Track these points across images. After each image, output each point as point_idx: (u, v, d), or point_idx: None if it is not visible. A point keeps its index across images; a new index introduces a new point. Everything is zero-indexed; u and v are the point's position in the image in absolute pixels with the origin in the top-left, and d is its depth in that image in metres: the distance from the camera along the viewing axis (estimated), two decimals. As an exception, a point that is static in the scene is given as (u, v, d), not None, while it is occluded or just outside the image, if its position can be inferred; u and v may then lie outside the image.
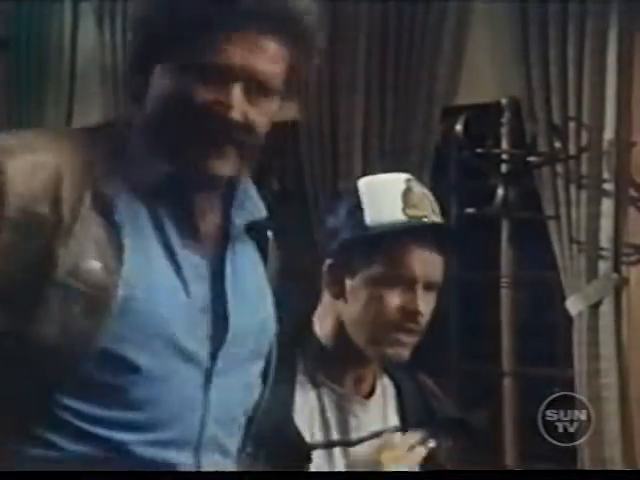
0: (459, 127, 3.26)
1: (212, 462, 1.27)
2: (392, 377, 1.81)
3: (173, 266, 1.25)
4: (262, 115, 1.28)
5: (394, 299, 1.68)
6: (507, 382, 3.26)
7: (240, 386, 1.32)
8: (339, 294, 1.72)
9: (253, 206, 1.36)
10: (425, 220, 1.71)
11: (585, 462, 3.16)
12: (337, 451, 1.69)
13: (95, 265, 1.18)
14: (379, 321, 1.68)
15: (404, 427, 1.76)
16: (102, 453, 1.20)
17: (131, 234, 1.22)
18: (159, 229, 1.25)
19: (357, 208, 1.72)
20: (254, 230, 1.36)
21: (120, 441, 1.21)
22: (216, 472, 1.12)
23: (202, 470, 1.23)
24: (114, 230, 1.21)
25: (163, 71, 1.25)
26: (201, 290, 1.27)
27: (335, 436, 1.69)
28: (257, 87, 1.26)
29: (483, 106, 3.43)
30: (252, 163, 1.33)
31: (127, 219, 1.22)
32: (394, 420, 1.77)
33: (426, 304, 1.70)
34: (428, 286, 1.71)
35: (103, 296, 1.18)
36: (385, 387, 1.79)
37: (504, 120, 3.28)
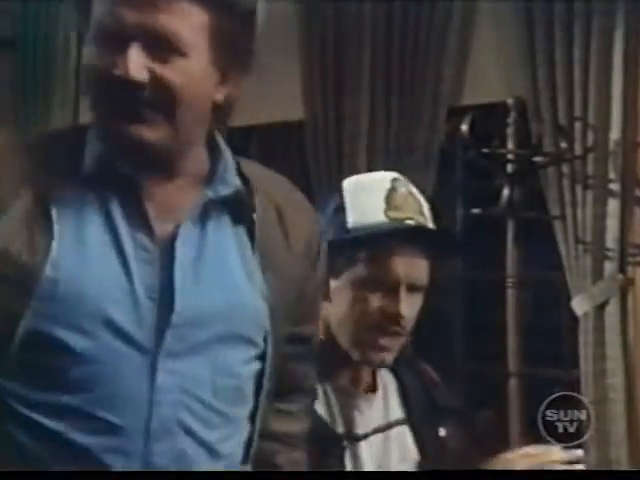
0: (465, 127, 3.26)
1: (174, 449, 1.23)
2: (391, 369, 1.78)
3: (116, 250, 1.23)
4: (177, 73, 1.23)
5: (376, 301, 1.66)
6: (513, 382, 3.26)
7: (205, 369, 1.26)
8: (324, 295, 1.71)
9: (229, 181, 1.32)
10: (408, 222, 1.68)
11: (591, 463, 3.16)
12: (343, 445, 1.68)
13: (21, 248, 1.19)
14: (361, 323, 1.66)
15: (409, 419, 1.74)
16: (44, 442, 1.20)
17: (65, 218, 1.22)
18: (104, 213, 1.24)
19: (341, 209, 1.71)
20: (230, 207, 1.32)
21: (56, 429, 1.20)
22: (216, 472, 1.10)
23: (202, 470, 1.21)
24: (45, 214, 1.21)
25: (86, 46, 1.26)
26: (148, 272, 1.24)
27: (341, 431, 1.68)
28: (162, 44, 1.22)
29: (489, 106, 3.43)
30: (195, 129, 1.28)
31: (62, 204, 1.22)
32: (398, 413, 1.75)
33: (410, 306, 1.67)
34: (412, 288, 1.68)
35: (28, 278, 1.18)
36: (385, 380, 1.78)
37: (510, 120, 3.28)
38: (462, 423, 1.80)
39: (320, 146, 3.79)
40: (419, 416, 1.75)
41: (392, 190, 1.70)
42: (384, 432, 1.72)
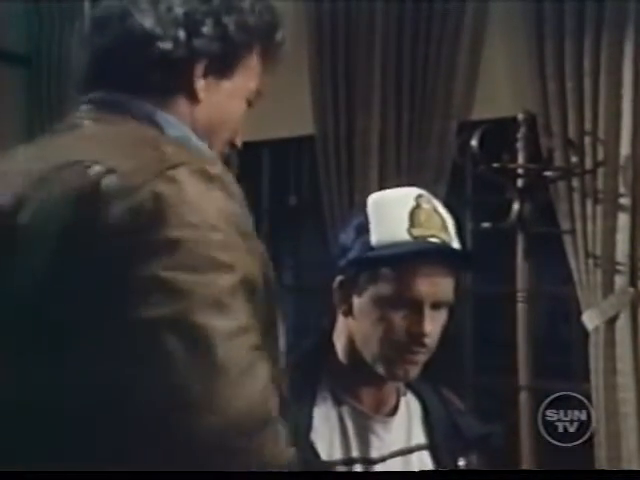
0: (475, 142, 3.26)
1: None
2: (417, 393, 1.78)
3: None
4: None
5: (400, 319, 1.66)
6: (523, 396, 3.25)
7: None
8: (348, 312, 1.71)
9: None
10: (431, 240, 1.67)
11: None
12: (358, 469, 1.67)
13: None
14: (386, 341, 1.66)
15: (431, 445, 1.74)
16: None
17: None
18: None
19: (364, 226, 1.71)
20: None
21: None
22: (217, 472, 1.10)
23: (202, 470, 1.17)
24: None
25: None
26: None
27: (355, 455, 1.68)
28: None
29: (499, 121, 3.42)
30: None
31: None
32: (420, 438, 1.74)
33: (434, 324, 1.67)
34: (436, 305, 1.67)
35: None
36: (409, 404, 1.77)
37: (520, 135, 3.28)
38: (483, 451, 1.78)
39: (331, 161, 3.80)
40: (441, 443, 1.74)
41: (416, 207, 1.69)
42: (404, 456, 1.71)
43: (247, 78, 1.37)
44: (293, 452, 1.16)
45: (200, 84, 1.30)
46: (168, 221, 1.08)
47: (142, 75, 1.29)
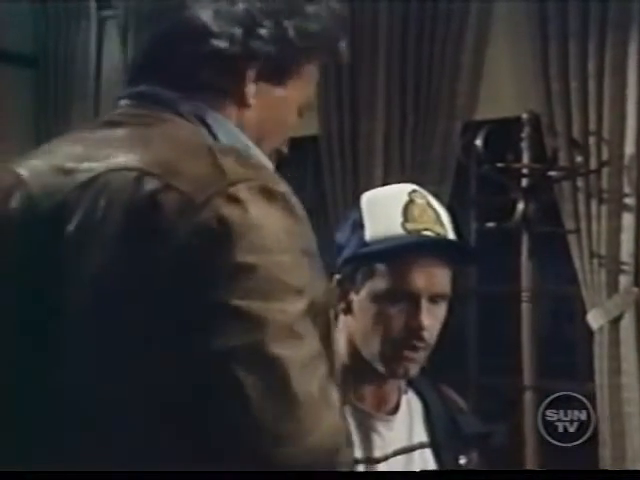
0: (479, 142, 3.27)
1: None
2: (417, 391, 1.78)
3: None
4: None
5: (398, 314, 1.66)
6: (528, 396, 3.26)
7: None
8: (346, 310, 1.71)
9: None
10: (425, 233, 1.67)
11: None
12: (360, 469, 1.65)
13: None
14: (384, 337, 1.66)
15: (432, 443, 1.73)
16: None
17: None
18: None
19: (359, 223, 1.71)
20: None
21: None
22: (217, 472, 1.10)
23: (203, 470, 1.16)
24: None
25: None
26: None
27: (358, 454, 1.66)
28: None
29: (503, 121, 3.44)
30: None
31: None
32: (421, 436, 1.74)
33: (432, 317, 1.66)
34: (434, 298, 1.67)
35: None
36: (411, 402, 1.76)
37: (524, 135, 3.28)
38: (484, 450, 1.78)
39: (336, 161, 3.81)
40: (442, 441, 1.73)
41: (410, 202, 1.70)
42: (406, 454, 1.71)
43: (302, 87, 1.29)
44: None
45: (251, 88, 1.23)
46: (236, 245, 1.04)
47: (191, 72, 1.22)
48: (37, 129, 4.49)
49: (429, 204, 1.71)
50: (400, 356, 1.66)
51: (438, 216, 1.71)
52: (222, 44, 1.19)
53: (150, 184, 1.08)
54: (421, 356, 1.67)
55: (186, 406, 1.04)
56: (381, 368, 1.67)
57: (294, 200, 1.12)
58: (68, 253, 1.11)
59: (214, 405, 1.03)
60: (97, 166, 1.13)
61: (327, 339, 1.13)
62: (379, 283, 1.67)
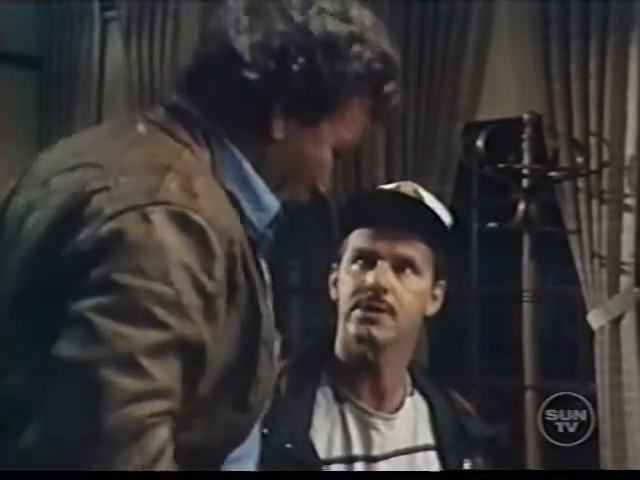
0: (481, 142, 3.28)
1: None
2: (424, 394, 1.79)
3: None
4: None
5: (357, 274, 1.69)
6: (529, 396, 3.26)
7: None
8: (334, 283, 1.75)
9: None
10: (396, 190, 1.73)
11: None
12: (359, 466, 1.67)
13: None
14: (347, 296, 1.69)
15: (437, 446, 1.74)
16: None
17: None
18: None
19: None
20: None
21: None
22: (218, 472, 1.09)
23: (203, 470, 1.17)
24: None
25: None
26: None
27: (357, 452, 1.68)
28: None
29: (505, 121, 3.44)
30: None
31: None
32: (426, 438, 1.75)
33: (397, 283, 1.68)
34: (400, 266, 1.68)
35: None
36: (416, 404, 1.77)
37: (525, 135, 3.29)
38: (490, 455, 1.79)
39: (337, 161, 3.80)
40: (447, 444, 1.74)
41: (396, 188, 1.75)
42: (410, 455, 1.71)
43: (340, 126, 1.27)
44: None
45: (279, 122, 1.22)
46: (120, 262, 1.04)
47: (221, 98, 1.22)
48: (40, 130, 4.49)
49: (415, 191, 1.74)
50: (364, 318, 1.67)
51: (421, 199, 1.73)
52: (252, 75, 1.19)
53: (95, 183, 1.11)
54: (384, 320, 1.67)
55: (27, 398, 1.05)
56: (351, 330, 1.68)
57: (215, 240, 1.09)
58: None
59: (37, 406, 1.02)
60: (77, 161, 1.18)
61: (246, 384, 1.16)
62: (349, 249, 1.72)
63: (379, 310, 1.67)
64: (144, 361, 1.02)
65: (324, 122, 1.25)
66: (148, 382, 1.02)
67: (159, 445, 1.02)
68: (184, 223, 1.07)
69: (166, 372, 1.04)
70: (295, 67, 1.20)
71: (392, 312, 1.67)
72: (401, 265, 1.69)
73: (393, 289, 1.67)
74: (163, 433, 1.03)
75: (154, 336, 1.03)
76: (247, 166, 1.23)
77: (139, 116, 1.25)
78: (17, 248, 1.14)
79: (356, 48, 1.23)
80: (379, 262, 1.68)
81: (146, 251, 1.04)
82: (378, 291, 1.66)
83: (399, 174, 3.59)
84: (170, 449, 1.04)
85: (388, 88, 1.28)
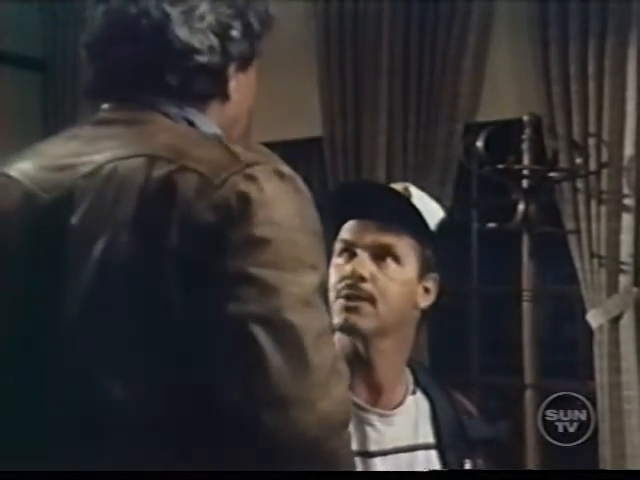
0: (481, 143, 3.29)
1: None
2: (426, 393, 1.79)
3: None
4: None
5: (340, 265, 1.70)
6: (529, 394, 3.28)
7: None
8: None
9: None
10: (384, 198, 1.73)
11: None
12: (356, 461, 1.68)
13: None
14: (336, 289, 1.69)
15: (438, 445, 1.74)
16: None
17: None
18: None
19: None
20: None
21: None
22: (218, 472, 1.08)
23: (203, 470, 1.18)
24: None
25: None
26: None
27: (353, 447, 1.69)
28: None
29: (504, 122, 3.46)
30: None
31: None
32: (427, 437, 1.75)
33: (377, 271, 1.68)
34: (379, 255, 1.69)
35: None
36: (418, 403, 1.77)
37: (525, 136, 3.31)
38: (490, 455, 1.78)
39: (339, 162, 3.83)
40: (448, 444, 1.74)
41: (388, 182, 1.77)
42: (410, 453, 1.71)
43: (258, 67, 1.37)
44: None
45: (232, 84, 1.30)
46: (255, 219, 1.09)
47: (178, 84, 1.26)
48: (45, 131, 4.51)
49: (406, 189, 1.75)
50: (341, 306, 1.68)
51: (409, 195, 1.74)
52: (205, 58, 1.25)
53: (164, 167, 1.13)
54: (363, 307, 1.67)
55: (204, 371, 1.07)
56: (335, 320, 1.67)
57: (302, 183, 1.18)
58: (72, 244, 1.13)
59: (230, 366, 1.07)
60: (98, 158, 1.17)
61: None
62: (337, 245, 1.73)
63: (358, 298, 1.67)
64: (315, 300, 1.11)
65: (253, 67, 1.35)
66: (322, 319, 1.12)
67: (346, 370, 1.13)
68: (279, 175, 1.15)
69: (325, 309, 1.13)
70: (234, 33, 1.28)
71: (371, 300, 1.67)
72: (381, 254, 1.69)
73: (373, 277, 1.68)
74: (342, 359, 1.14)
75: (312, 278, 1.12)
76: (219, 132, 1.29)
77: (97, 119, 1.28)
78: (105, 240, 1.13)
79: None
80: (358, 251, 1.69)
81: (269, 204, 1.11)
82: (356, 279, 1.67)
83: (400, 175, 3.61)
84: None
85: (272, 12, 1.36)
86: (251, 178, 1.12)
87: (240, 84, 1.31)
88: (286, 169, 1.17)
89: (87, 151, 1.20)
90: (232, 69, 1.29)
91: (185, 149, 1.16)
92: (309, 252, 1.13)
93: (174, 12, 1.25)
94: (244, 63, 1.32)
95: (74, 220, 1.14)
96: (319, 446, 1.08)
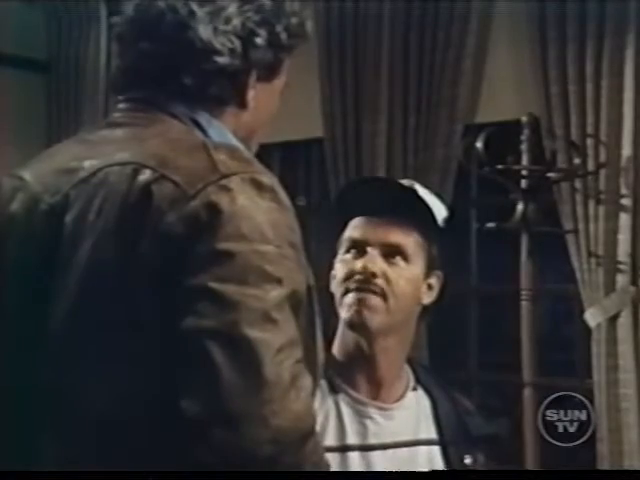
0: (480, 144, 3.30)
1: None
2: (427, 391, 1.80)
3: None
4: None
5: (349, 261, 1.72)
6: (527, 393, 3.29)
7: None
8: (331, 268, 1.77)
9: None
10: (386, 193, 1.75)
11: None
12: (355, 455, 1.69)
13: None
14: (340, 281, 1.71)
15: (438, 441, 1.76)
16: None
17: None
18: None
19: None
20: None
21: None
22: (218, 472, 1.07)
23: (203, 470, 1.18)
24: None
25: None
26: None
27: (351, 441, 1.69)
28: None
29: (503, 123, 3.47)
30: None
31: None
32: (429, 433, 1.76)
33: (387, 268, 1.70)
34: (390, 253, 1.71)
35: None
36: (419, 399, 1.78)
37: (524, 137, 3.31)
38: (491, 450, 1.80)
39: (340, 163, 3.85)
40: (448, 440, 1.75)
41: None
42: (410, 448, 1.72)
43: (283, 77, 1.36)
44: (329, 461, 1.17)
45: (251, 93, 1.29)
46: (221, 232, 1.09)
47: (196, 86, 1.26)
48: (49, 133, 4.52)
49: (412, 186, 1.78)
50: (352, 300, 1.69)
51: (415, 190, 1.76)
52: (224, 60, 1.25)
53: (145, 175, 1.14)
54: (375, 302, 1.69)
55: (160, 381, 1.08)
56: (343, 315, 1.70)
57: (282, 193, 1.17)
58: (64, 244, 1.16)
59: (185, 379, 1.06)
60: (97, 163, 1.19)
61: (310, 329, 1.18)
62: (344, 241, 1.75)
63: (370, 291, 1.68)
64: (277, 315, 1.09)
65: (279, 77, 1.35)
66: (284, 334, 1.09)
67: (309, 385, 1.11)
68: (256, 186, 1.14)
69: (291, 323, 1.11)
70: (259, 40, 1.28)
71: (383, 295, 1.69)
72: (391, 252, 1.71)
73: (384, 274, 1.69)
74: (307, 375, 1.11)
75: (275, 291, 1.10)
76: (230, 134, 1.29)
77: (108, 121, 1.30)
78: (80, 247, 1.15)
79: (289, 4, 1.34)
80: (369, 249, 1.71)
81: (238, 217, 1.10)
82: (368, 275, 1.69)
83: (400, 175, 3.62)
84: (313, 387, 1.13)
85: (308, 29, 1.39)
86: (225, 189, 1.11)
87: (260, 94, 1.31)
88: (266, 179, 1.16)
89: (89, 155, 1.22)
90: (253, 77, 1.29)
91: (170, 157, 1.16)
92: (277, 265, 1.11)
93: (200, 11, 1.25)
94: (267, 74, 1.31)
95: (65, 226, 1.17)
96: (274, 462, 1.06)
